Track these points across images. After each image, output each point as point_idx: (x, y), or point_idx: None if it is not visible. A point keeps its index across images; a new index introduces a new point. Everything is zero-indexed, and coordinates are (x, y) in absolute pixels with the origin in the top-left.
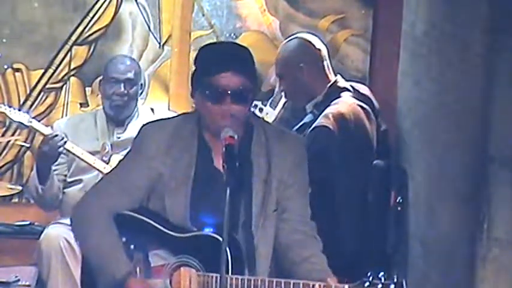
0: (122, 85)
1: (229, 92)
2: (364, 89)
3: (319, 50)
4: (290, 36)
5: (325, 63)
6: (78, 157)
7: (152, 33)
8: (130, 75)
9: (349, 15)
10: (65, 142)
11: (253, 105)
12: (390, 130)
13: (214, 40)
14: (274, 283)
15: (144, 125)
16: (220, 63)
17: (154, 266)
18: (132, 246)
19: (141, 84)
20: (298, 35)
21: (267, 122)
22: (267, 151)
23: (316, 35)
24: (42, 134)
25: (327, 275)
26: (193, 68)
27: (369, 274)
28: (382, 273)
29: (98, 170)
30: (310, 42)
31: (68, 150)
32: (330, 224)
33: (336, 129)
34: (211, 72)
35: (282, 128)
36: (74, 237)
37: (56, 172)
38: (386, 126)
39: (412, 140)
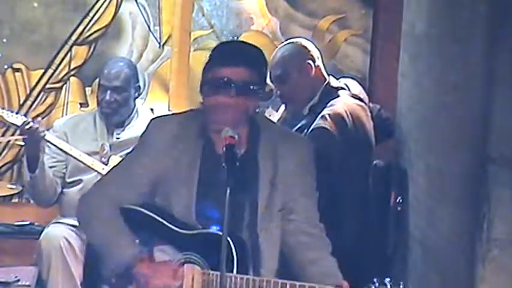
0: (109, 93)
1: (231, 83)
2: (355, 86)
3: (311, 52)
4: (285, 41)
5: (318, 64)
6: (75, 158)
7: (152, 33)
8: (117, 83)
9: (349, 15)
10: (37, 128)
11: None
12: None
13: (214, 40)
14: (280, 284)
15: (152, 119)
16: (226, 57)
17: (159, 261)
18: (137, 241)
19: (139, 86)
20: (289, 40)
21: (275, 123)
22: (274, 152)
23: (307, 39)
24: (9, 122)
25: (336, 279)
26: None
27: (374, 280)
28: (388, 279)
29: (96, 171)
30: (301, 45)
31: (48, 141)
32: (330, 224)
33: (334, 130)
34: (217, 65)
35: (289, 130)
36: (80, 227)
37: (53, 169)
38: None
39: (412, 140)
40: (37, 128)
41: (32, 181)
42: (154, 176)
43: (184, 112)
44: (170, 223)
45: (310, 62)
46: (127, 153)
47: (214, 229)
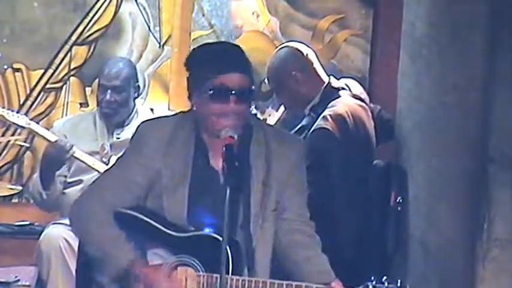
0: (109, 93)
1: (234, 91)
2: (355, 86)
3: (307, 54)
4: (281, 45)
5: (315, 66)
6: (77, 158)
7: (152, 33)
8: (116, 82)
9: (349, 15)
10: (72, 146)
11: (254, 106)
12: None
13: (215, 40)
14: (276, 285)
15: (142, 123)
16: (224, 64)
17: (152, 264)
18: (131, 245)
19: (138, 86)
20: (284, 45)
21: (267, 123)
22: (266, 152)
23: (300, 42)
24: (41, 136)
25: (329, 276)
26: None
27: (372, 278)
28: (385, 277)
29: (97, 171)
30: (296, 49)
31: (77, 158)
32: (330, 224)
33: (335, 131)
34: (215, 72)
35: (282, 129)
36: (74, 233)
37: (56, 173)
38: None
39: (412, 140)
40: (71, 147)
41: (47, 198)
42: (147, 179)
43: (175, 114)
44: (163, 226)
45: (305, 63)
46: (118, 157)
47: (207, 231)
